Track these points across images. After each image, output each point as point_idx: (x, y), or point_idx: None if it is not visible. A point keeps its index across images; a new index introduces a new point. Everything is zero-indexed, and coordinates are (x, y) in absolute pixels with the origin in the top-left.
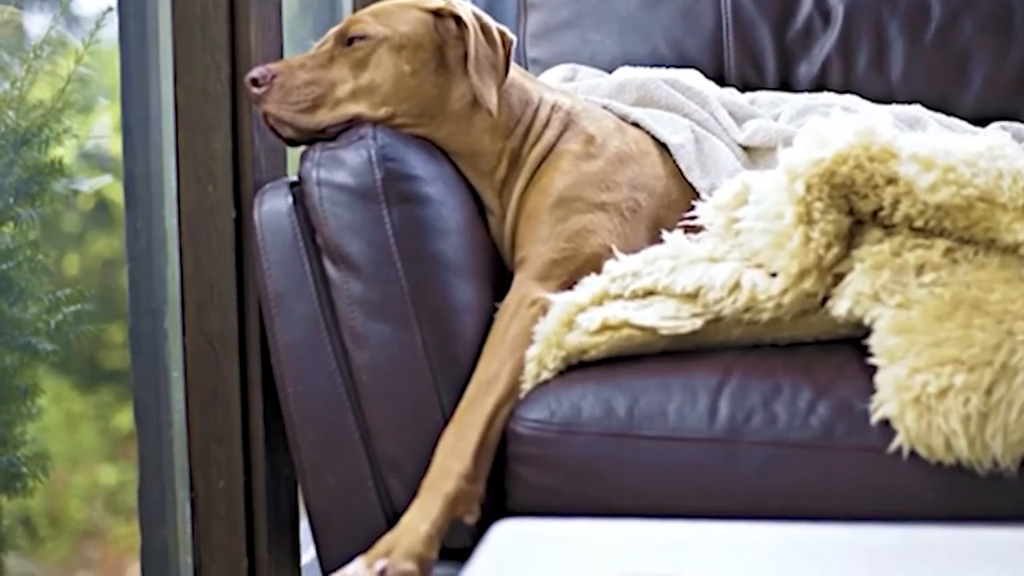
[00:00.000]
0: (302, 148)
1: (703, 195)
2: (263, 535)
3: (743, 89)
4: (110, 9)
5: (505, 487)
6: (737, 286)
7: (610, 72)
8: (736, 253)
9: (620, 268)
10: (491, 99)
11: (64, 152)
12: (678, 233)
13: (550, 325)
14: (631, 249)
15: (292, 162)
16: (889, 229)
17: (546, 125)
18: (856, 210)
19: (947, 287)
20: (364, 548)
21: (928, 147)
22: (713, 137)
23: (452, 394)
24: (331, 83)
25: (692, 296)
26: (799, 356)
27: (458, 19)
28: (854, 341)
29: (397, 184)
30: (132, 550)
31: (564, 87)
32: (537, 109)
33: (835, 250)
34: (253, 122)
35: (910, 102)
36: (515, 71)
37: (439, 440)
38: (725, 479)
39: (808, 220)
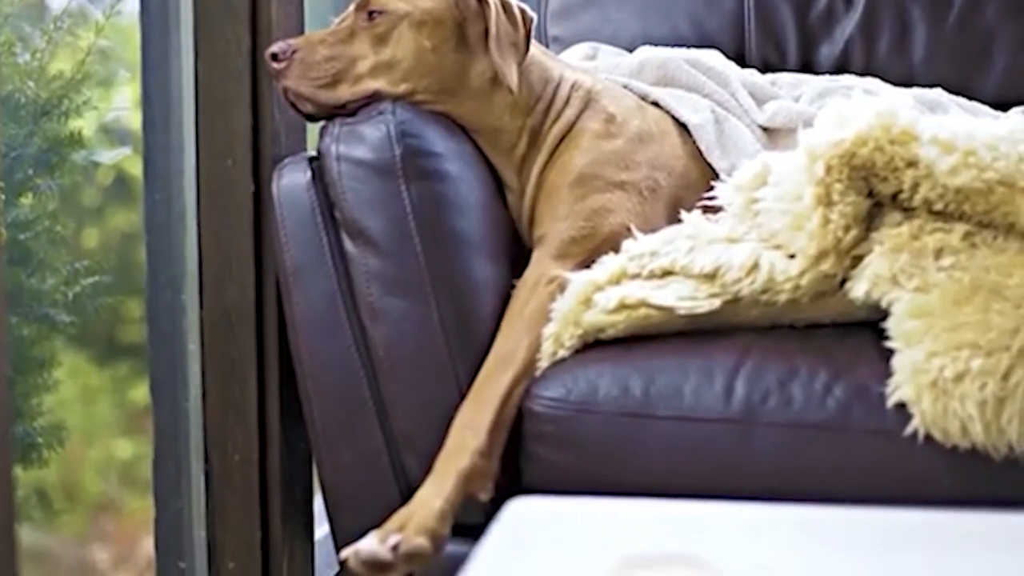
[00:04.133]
0: (322, 123)
1: (722, 176)
2: (277, 509)
3: (764, 70)
4: None
5: (520, 464)
6: (755, 267)
7: (631, 51)
8: (755, 234)
9: (638, 247)
10: (511, 76)
11: (84, 124)
12: (697, 213)
13: (567, 303)
14: (650, 228)
15: (311, 137)
16: (908, 212)
17: (566, 103)
18: (876, 192)
19: (966, 271)
20: (378, 523)
21: (949, 130)
22: (733, 118)
23: (468, 370)
24: (351, 59)
25: (710, 276)
26: (816, 338)
27: None
28: (871, 324)
29: (416, 160)
30: (146, 523)
31: (584, 65)
32: (557, 87)
33: (854, 232)
34: (273, 97)
35: (932, 85)
36: (535, 49)
37: (455, 416)
38: (740, 460)
39: (827, 202)
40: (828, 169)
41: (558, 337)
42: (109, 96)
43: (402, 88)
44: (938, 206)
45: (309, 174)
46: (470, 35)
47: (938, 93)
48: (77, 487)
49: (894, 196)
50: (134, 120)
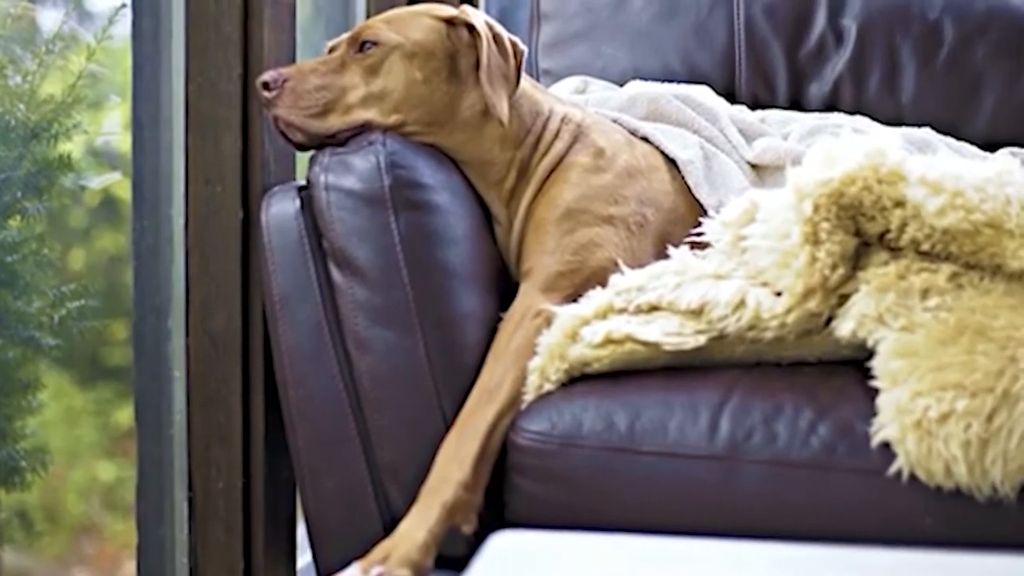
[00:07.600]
0: (312, 152)
1: (710, 212)
2: (260, 537)
3: (754, 107)
4: (123, 6)
5: (504, 498)
6: (742, 304)
7: (621, 85)
8: (742, 271)
9: (625, 282)
10: (502, 108)
11: (73, 148)
12: (684, 249)
13: (554, 337)
14: (637, 263)
15: (301, 166)
16: (895, 252)
17: (556, 136)
18: (863, 232)
19: (952, 312)
20: (361, 553)
21: (937, 171)
22: (722, 154)
23: (453, 402)
24: (342, 89)
25: (696, 312)
26: (801, 376)
27: (471, 28)
28: (857, 363)
29: (405, 191)
30: (129, 548)
31: (575, 99)
32: (547, 120)
33: (841, 271)
34: (263, 124)
35: (920, 125)
36: (526, 82)
37: (439, 448)
38: (724, 496)
39: (815, 240)
40: (816, 208)
41: (544, 370)
42: (99, 120)
43: (392, 119)
44: (925, 246)
45: (298, 203)
46: (461, 67)
47: (927, 133)
48: (59, 510)
49: (881, 236)
50: (123, 144)
